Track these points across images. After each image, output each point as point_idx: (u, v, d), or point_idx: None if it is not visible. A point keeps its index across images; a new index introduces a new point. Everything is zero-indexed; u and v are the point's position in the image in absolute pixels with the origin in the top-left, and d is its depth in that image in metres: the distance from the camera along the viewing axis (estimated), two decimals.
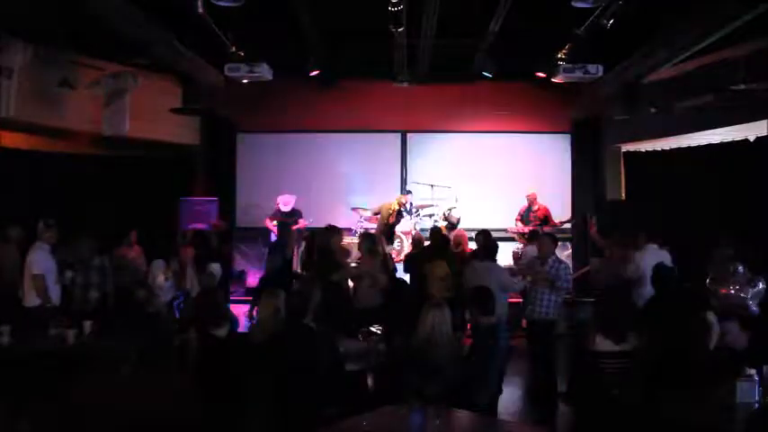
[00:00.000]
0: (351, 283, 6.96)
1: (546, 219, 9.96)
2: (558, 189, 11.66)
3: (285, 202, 10.44)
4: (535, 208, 10.18)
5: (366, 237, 7.50)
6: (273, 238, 10.29)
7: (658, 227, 7.55)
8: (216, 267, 6.97)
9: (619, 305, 4.78)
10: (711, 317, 4.81)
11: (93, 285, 7.02)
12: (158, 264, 6.69)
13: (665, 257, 6.70)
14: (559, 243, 10.19)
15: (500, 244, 10.67)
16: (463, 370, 4.40)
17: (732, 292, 6.04)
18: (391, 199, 10.69)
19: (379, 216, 10.48)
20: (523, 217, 10.24)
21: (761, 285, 6.02)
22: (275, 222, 10.36)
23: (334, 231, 7.21)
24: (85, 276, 6.92)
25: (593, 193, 11.65)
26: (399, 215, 10.39)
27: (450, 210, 10.48)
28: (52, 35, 8.44)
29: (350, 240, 10.10)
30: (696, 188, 9.49)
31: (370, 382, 5.18)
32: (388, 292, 6.63)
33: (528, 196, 10.30)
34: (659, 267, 5.60)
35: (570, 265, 10.64)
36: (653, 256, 6.65)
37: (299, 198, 10.77)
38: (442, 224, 10.14)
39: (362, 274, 6.77)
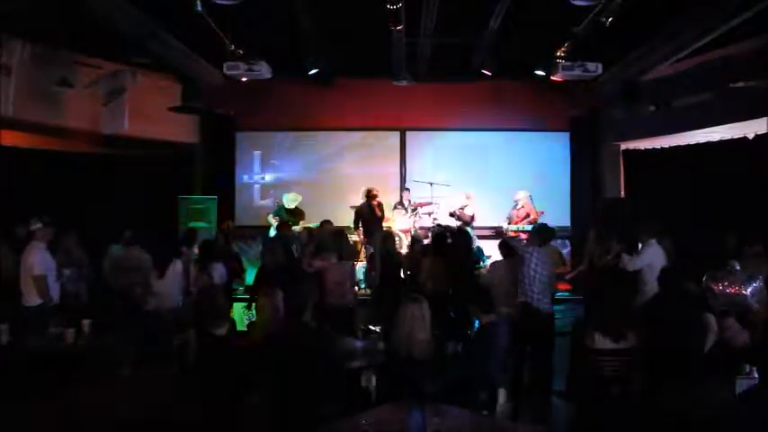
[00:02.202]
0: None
1: (527, 215, 10.02)
2: (557, 187, 11.67)
3: (291, 200, 10.43)
4: (519, 207, 10.21)
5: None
6: (273, 234, 10.26)
7: (657, 225, 7.55)
8: (219, 267, 6.95)
9: (617, 304, 4.78)
10: (710, 317, 4.82)
11: (83, 278, 7.07)
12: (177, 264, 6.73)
13: (660, 253, 6.75)
14: (560, 241, 10.31)
15: (497, 243, 10.73)
16: (462, 368, 4.40)
17: (729, 290, 6.03)
18: (388, 198, 10.72)
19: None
20: (510, 217, 10.30)
21: (758, 283, 6.02)
22: (277, 219, 10.34)
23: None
24: (79, 271, 7.00)
25: (592, 191, 11.65)
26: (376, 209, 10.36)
27: (462, 208, 10.45)
28: (51, 34, 8.44)
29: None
30: (695, 186, 9.49)
31: (369, 380, 5.18)
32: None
33: (515, 197, 10.36)
34: (665, 269, 5.62)
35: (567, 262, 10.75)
36: (653, 252, 6.70)
37: None
38: (455, 223, 10.14)
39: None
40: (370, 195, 10.35)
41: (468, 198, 10.51)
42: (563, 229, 11.11)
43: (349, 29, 9.12)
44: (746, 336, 4.68)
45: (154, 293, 6.46)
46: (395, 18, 7.54)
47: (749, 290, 5.81)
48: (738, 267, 6.09)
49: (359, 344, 5.28)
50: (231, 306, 7.57)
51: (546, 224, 8.76)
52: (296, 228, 9.75)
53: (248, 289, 9.29)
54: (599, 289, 6.28)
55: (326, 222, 8.29)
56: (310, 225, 10.06)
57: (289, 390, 4.08)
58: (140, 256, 7.12)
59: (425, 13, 7.83)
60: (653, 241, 6.92)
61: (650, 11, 7.73)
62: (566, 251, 11.08)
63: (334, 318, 5.98)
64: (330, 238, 7.16)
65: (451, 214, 10.43)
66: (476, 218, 10.45)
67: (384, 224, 10.50)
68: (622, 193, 11.44)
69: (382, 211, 10.45)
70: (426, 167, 11.79)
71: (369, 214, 10.28)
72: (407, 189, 11.04)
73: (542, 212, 10.30)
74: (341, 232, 7.47)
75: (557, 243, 9.69)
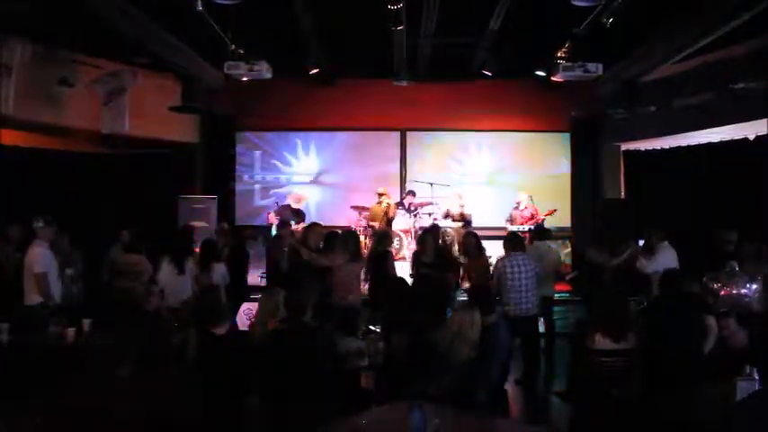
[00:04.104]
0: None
1: (532, 217, 10.04)
2: (558, 188, 11.68)
3: (297, 200, 10.42)
4: (522, 208, 10.22)
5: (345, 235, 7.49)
6: (275, 232, 10.21)
7: (658, 226, 7.56)
8: (220, 267, 6.93)
9: (618, 304, 4.78)
10: (710, 319, 4.82)
11: (77, 279, 7.09)
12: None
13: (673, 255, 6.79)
14: (560, 242, 10.31)
15: (496, 243, 10.79)
16: (464, 369, 4.40)
17: (730, 290, 6.04)
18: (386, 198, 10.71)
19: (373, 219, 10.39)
20: (512, 217, 10.30)
21: (758, 284, 6.02)
22: (278, 218, 10.32)
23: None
24: (75, 270, 7.03)
25: (592, 191, 11.65)
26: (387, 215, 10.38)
27: (462, 207, 10.43)
28: (52, 33, 8.43)
29: None
30: (696, 187, 9.49)
31: (369, 380, 5.17)
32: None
33: (517, 198, 10.37)
34: (667, 271, 5.64)
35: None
36: (669, 254, 6.75)
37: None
38: (456, 224, 10.11)
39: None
40: (381, 197, 10.36)
41: (461, 198, 10.49)
42: (563, 229, 11.12)
43: (349, 29, 9.12)
44: (746, 336, 4.68)
45: (160, 292, 6.43)
46: (395, 18, 7.54)
47: (750, 290, 5.81)
48: (737, 268, 6.10)
49: (359, 344, 5.28)
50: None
51: (541, 225, 8.82)
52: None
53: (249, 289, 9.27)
54: (600, 289, 6.30)
55: (315, 225, 8.11)
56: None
57: (288, 390, 4.08)
58: (139, 260, 7.12)
59: (426, 13, 7.83)
60: (666, 243, 6.94)
61: (651, 11, 7.73)
62: (566, 252, 11.09)
63: (339, 317, 5.99)
64: (339, 237, 7.18)
65: (451, 217, 10.36)
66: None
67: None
68: (623, 193, 11.44)
69: (393, 212, 10.38)
70: (427, 168, 11.78)
71: (381, 215, 10.25)
72: (413, 193, 10.86)
73: (555, 210, 10.29)
74: (352, 233, 7.50)
75: (557, 244, 9.73)
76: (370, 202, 10.78)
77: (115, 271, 7.39)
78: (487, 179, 11.86)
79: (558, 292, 8.55)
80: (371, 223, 10.21)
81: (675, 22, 7.80)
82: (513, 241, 6.93)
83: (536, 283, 6.63)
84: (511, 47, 9.30)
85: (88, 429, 3.50)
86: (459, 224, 10.12)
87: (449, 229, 9.96)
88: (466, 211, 10.32)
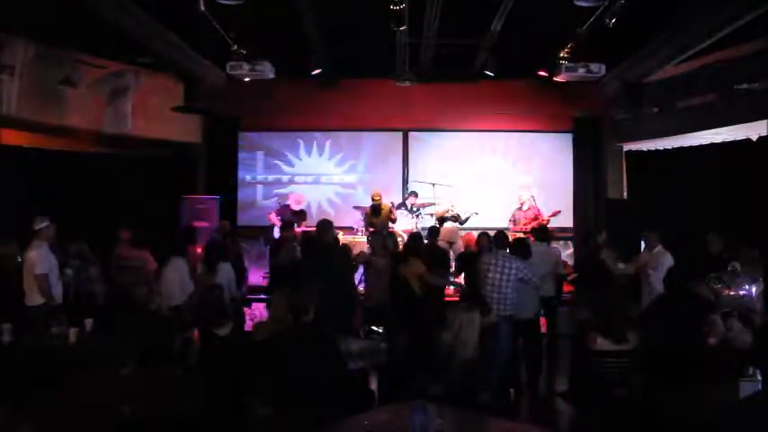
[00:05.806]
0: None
1: (536, 218, 10.03)
2: (560, 188, 11.66)
3: (297, 201, 10.41)
4: (525, 208, 10.20)
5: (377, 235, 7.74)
6: (277, 234, 10.22)
7: (660, 226, 7.54)
8: (226, 267, 6.94)
9: (618, 305, 4.78)
10: (716, 319, 4.82)
11: (98, 279, 7.10)
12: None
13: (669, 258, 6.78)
14: (562, 242, 10.30)
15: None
16: (466, 369, 4.40)
17: (733, 291, 6.03)
18: (390, 198, 10.70)
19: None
20: (515, 218, 10.28)
21: (761, 284, 6.01)
22: (280, 219, 10.32)
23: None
24: (95, 270, 7.06)
25: (594, 192, 11.64)
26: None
27: (452, 207, 10.43)
28: (54, 33, 8.45)
29: (351, 239, 10.10)
30: (698, 188, 9.47)
31: (371, 381, 5.18)
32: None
33: (519, 199, 10.35)
34: (671, 271, 5.63)
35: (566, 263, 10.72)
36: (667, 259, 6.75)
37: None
38: (451, 225, 10.11)
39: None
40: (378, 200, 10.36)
41: (452, 206, 10.49)
42: (565, 230, 11.11)
43: (352, 29, 9.13)
44: (749, 337, 4.67)
45: (159, 293, 6.45)
46: (398, 18, 7.54)
47: (750, 292, 5.81)
48: (739, 268, 6.09)
49: (362, 344, 5.28)
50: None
51: (543, 226, 8.78)
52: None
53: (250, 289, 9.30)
54: (601, 290, 6.28)
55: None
56: None
57: (291, 390, 4.08)
58: (140, 256, 7.12)
59: (429, 13, 7.83)
60: (660, 247, 6.92)
61: (654, 12, 7.72)
62: (568, 252, 11.08)
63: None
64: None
65: (440, 219, 10.35)
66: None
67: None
68: (625, 194, 11.43)
69: (378, 213, 10.37)
70: (429, 168, 11.77)
71: (386, 220, 10.28)
72: (415, 194, 10.79)
73: (559, 211, 10.26)
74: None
75: (558, 244, 9.72)
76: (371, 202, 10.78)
77: (117, 267, 7.41)
78: (490, 180, 11.82)
79: (561, 293, 8.52)
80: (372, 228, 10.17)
81: (679, 23, 7.79)
82: (496, 240, 6.88)
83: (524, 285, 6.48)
84: (513, 47, 9.28)
85: (89, 430, 3.50)
86: (455, 224, 10.15)
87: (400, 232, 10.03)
88: (461, 213, 10.34)
